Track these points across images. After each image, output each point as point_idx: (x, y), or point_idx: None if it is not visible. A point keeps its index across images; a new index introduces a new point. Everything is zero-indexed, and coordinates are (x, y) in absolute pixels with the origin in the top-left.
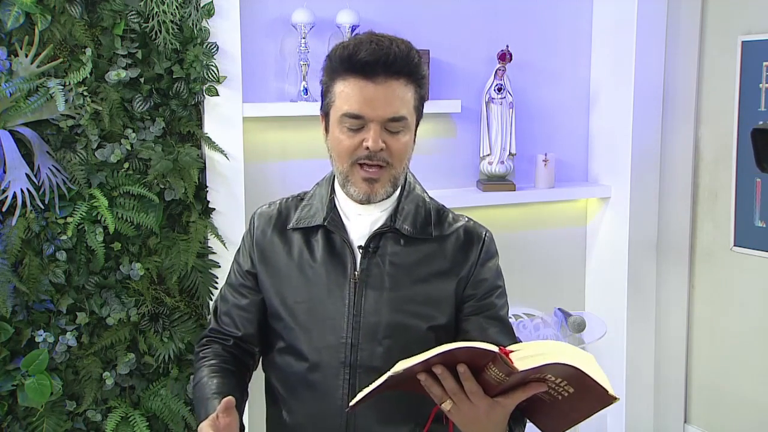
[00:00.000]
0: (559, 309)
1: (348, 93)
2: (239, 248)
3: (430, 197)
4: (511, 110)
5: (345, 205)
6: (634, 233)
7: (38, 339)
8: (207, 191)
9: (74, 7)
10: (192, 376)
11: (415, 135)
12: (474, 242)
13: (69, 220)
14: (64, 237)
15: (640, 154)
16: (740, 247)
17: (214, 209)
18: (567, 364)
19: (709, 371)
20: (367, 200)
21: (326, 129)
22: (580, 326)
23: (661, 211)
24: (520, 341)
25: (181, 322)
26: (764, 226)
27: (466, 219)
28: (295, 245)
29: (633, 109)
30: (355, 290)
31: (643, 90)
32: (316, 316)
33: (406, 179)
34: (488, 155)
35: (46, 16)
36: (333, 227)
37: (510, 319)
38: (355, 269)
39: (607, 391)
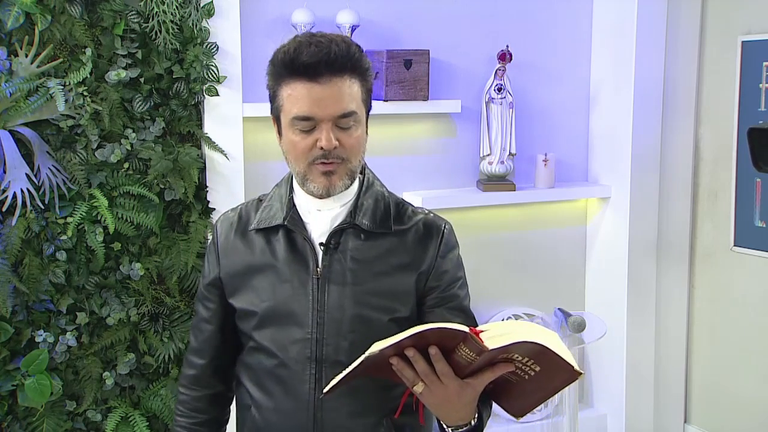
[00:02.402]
0: (559, 309)
1: (295, 96)
2: (204, 261)
3: (389, 192)
4: (511, 110)
5: (304, 203)
6: (634, 233)
7: (38, 339)
8: (207, 191)
9: (74, 7)
10: None
11: (366, 127)
12: (433, 235)
13: (69, 220)
14: (64, 237)
15: (640, 154)
16: (740, 247)
17: (214, 209)
18: (534, 342)
19: (709, 371)
20: (327, 194)
21: (279, 132)
22: (580, 326)
23: (661, 211)
24: None
25: (181, 322)
26: (764, 226)
27: (426, 212)
28: (257, 246)
29: (633, 109)
30: (318, 286)
31: (643, 90)
32: (282, 313)
33: (364, 175)
34: (488, 155)
35: (46, 16)
36: (293, 226)
37: (509, 319)
38: (317, 266)
39: (573, 367)
